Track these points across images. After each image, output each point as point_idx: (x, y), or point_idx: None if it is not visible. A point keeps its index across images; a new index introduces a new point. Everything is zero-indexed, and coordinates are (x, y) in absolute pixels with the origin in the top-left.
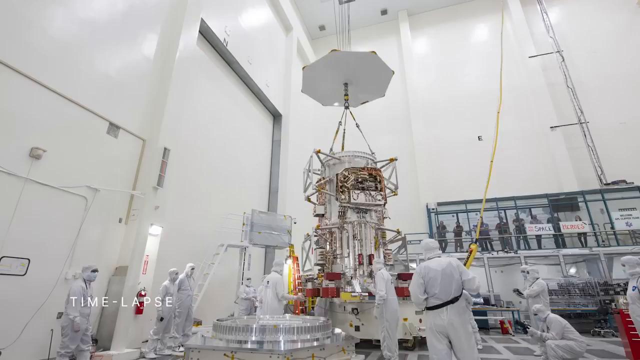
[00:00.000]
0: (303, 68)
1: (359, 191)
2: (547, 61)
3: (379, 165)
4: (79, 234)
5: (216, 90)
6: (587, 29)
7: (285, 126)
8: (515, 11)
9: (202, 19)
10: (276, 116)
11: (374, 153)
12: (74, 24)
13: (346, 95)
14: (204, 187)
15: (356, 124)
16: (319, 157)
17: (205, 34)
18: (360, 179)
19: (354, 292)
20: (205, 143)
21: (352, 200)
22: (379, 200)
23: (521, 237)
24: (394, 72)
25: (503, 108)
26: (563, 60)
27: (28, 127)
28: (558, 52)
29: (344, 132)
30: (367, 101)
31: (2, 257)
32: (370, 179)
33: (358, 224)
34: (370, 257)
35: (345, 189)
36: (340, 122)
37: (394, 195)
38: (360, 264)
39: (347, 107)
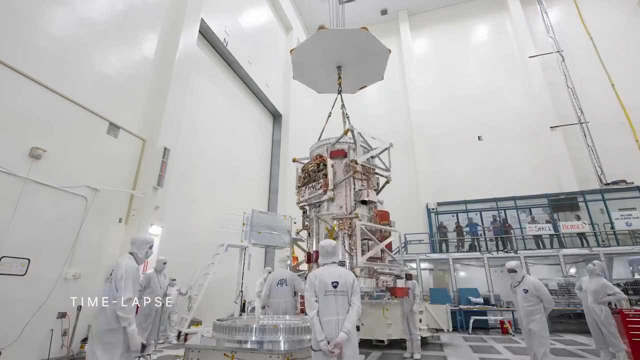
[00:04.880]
0: (291, 51)
1: (304, 187)
2: (547, 61)
3: None
4: (79, 234)
5: (216, 90)
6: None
7: (285, 126)
8: (515, 11)
9: (202, 19)
10: (276, 116)
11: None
12: (74, 24)
13: (339, 79)
14: (204, 187)
15: (342, 104)
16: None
17: (205, 34)
18: (310, 173)
19: None
20: (205, 143)
21: (301, 199)
22: (318, 189)
23: (522, 237)
24: (390, 51)
25: (502, 107)
26: (563, 60)
27: (28, 127)
28: (558, 52)
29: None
30: (366, 86)
31: (2, 257)
32: (318, 169)
33: (315, 220)
34: (310, 255)
35: (299, 188)
36: (329, 113)
37: (387, 182)
38: (309, 262)
39: (339, 92)
